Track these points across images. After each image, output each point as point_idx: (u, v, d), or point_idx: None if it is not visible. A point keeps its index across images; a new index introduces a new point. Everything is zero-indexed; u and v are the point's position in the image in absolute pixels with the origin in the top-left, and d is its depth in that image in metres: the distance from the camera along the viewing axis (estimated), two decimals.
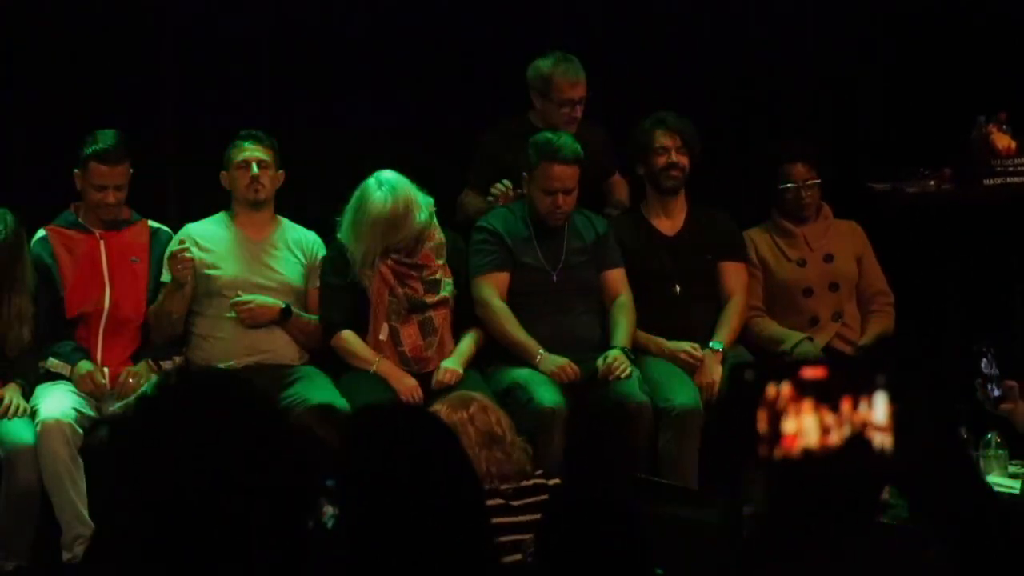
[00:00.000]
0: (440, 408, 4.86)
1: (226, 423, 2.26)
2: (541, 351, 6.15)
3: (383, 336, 6.13)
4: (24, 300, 5.90)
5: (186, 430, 2.25)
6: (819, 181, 6.60)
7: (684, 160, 6.46)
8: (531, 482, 4.85)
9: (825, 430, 1.98)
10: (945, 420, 2.13)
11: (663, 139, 6.45)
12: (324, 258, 6.26)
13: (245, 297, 6.13)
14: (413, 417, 3.02)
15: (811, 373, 1.98)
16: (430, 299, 6.17)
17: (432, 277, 6.20)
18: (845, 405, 1.98)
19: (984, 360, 5.30)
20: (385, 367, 6.08)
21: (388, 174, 6.10)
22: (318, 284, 6.26)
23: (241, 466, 2.23)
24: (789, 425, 1.98)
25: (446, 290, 6.21)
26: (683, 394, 6.12)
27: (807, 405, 1.98)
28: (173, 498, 2.21)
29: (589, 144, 6.38)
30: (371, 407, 3.15)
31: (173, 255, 6.05)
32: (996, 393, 5.28)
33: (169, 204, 6.61)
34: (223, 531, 2.22)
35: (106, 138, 6.05)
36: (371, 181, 6.08)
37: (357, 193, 6.09)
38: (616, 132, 6.65)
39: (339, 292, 6.17)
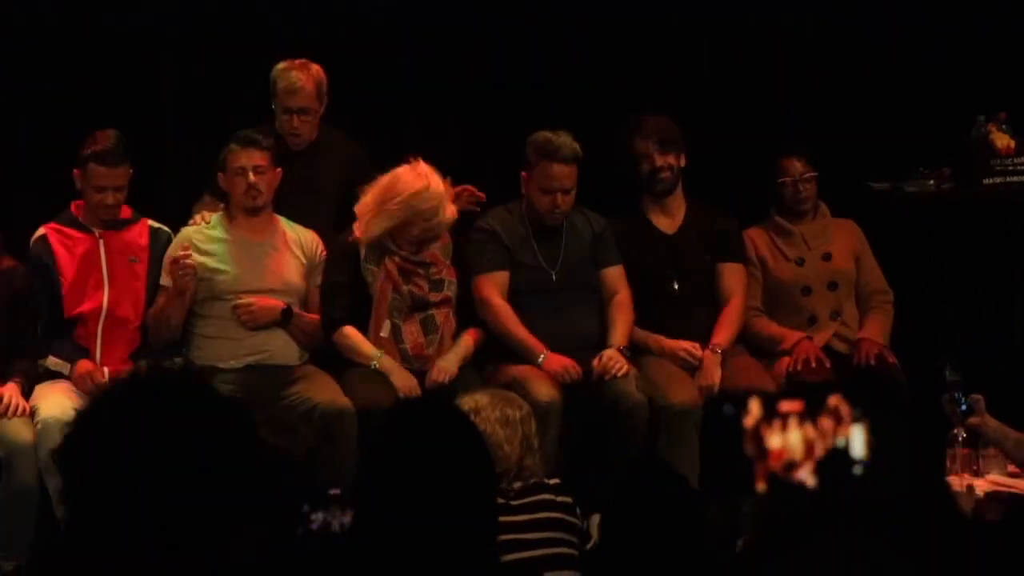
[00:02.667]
0: (493, 400, 4.83)
1: (183, 421, 2.28)
2: (545, 351, 6.15)
3: (384, 333, 6.13)
4: None
5: (145, 428, 2.26)
6: (816, 175, 6.61)
7: (670, 160, 6.46)
8: (532, 481, 4.85)
9: (809, 445, 2.01)
10: (921, 449, 2.16)
11: (640, 147, 6.45)
12: (328, 254, 6.25)
13: (247, 299, 6.12)
14: (443, 413, 3.03)
15: (788, 408, 2.01)
16: (434, 297, 6.17)
17: (438, 276, 6.20)
18: (826, 422, 2.02)
19: (947, 373, 5.31)
20: (386, 363, 6.08)
21: (423, 165, 6.07)
22: (319, 282, 6.26)
23: (198, 463, 2.24)
24: (775, 441, 2.00)
25: (450, 289, 6.21)
26: (681, 393, 6.12)
27: (792, 421, 2.01)
28: (133, 494, 2.22)
29: (331, 152, 6.36)
30: (404, 402, 3.18)
31: (175, 261, 6.02)
32: (963, 407, 5.29)
33: (169, 204, 6.61)
34: (183, 527, 2.24)
35: (106, 139, 6.04)
36: (405, 167, 6.05)
37: (388, 178, 6.04)
38: (614, 135, 6.63)
39: (342, 289, 6.17)
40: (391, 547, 2.68)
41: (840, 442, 2.00)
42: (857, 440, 2.01)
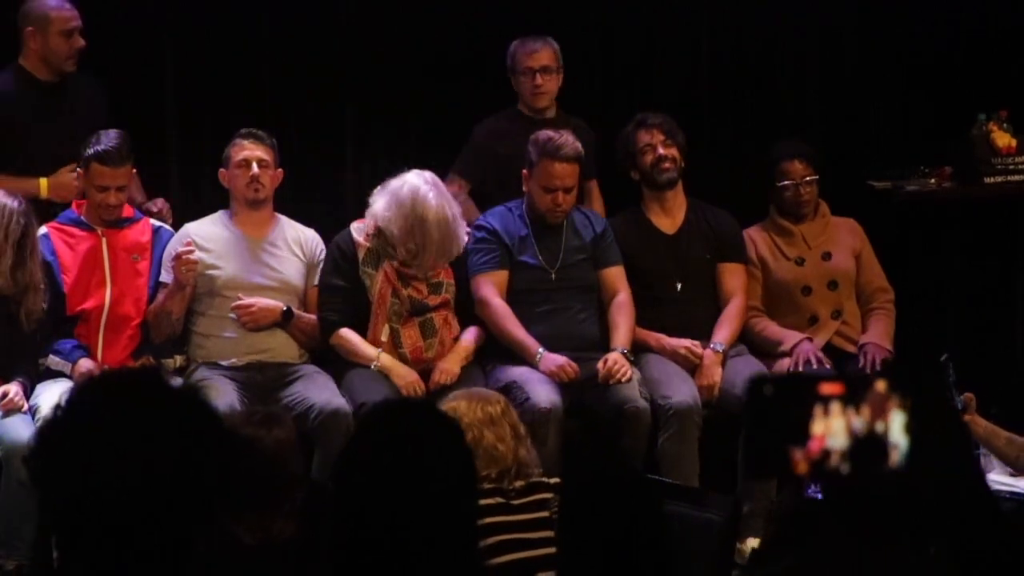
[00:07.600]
0: (471, 404, 4.79)
1: (146, 422, 2.29)
2: (541, 350, 6.15)
3: (384, 338, 6.13)
4: (36, 268, 5.89)
5: (108, 430, 2.27)
6: (817, 177, 6.61)
7: (672, 152, 6.47)
8: (532, 480, 4.84)
9: (852, 431, 2.00)
10: (958, 433, 2.15)
11: (645, 138, 6.46)
12: (324, 258, 6.24)
13: (247, 300, 6.12)
14: (418, 412, 3.02)
15: (829, 389, 2.00)
16: (433, 301, 6.17)
17: (436, 279, 6.20)
18: (868, 409, 2.01)
19: (950, 370, 5.31)
20: (386, 362, 6.08)
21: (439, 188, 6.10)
22: (317, 282, 6.25)
23: (164, 464, 2.25)
24: (818, 426, 2.00)
25: (448, 291, 6.21)
26: (682, 392, 6.12)
27: (835, 407, 2.00)
28: (99, 498, 2.23)
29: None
30: (379, 404, 3.15)
31: (178, 256, 6.02)
32: (958, 405, 5.29)
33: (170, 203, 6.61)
34: (151, 530, 2.25)
35: (109, 139, 6.04)
36: (429, 187, 6.05)
37: (409, 194, 6.04)
38: (615, 134, 6.63)
39: (339, 292, 6.16)
40: (367, 547, 2.68)
41: (879, 428, 1.99)
42: (896, 427, 2.00)
